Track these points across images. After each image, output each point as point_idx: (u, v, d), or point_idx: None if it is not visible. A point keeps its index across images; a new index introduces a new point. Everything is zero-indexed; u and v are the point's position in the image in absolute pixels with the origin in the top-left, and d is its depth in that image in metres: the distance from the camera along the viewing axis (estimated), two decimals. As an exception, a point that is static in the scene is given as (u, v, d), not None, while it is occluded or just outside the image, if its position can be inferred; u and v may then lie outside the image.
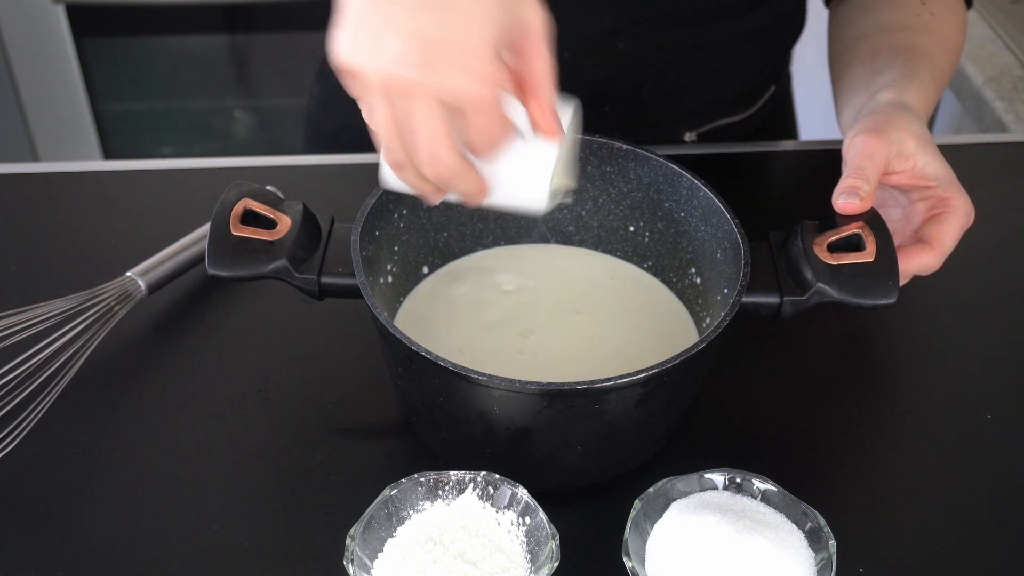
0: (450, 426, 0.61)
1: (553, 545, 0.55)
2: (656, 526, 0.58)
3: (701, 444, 0.67)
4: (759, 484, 0.59)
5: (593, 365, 0.66)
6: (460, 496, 0.58)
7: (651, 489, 0.58)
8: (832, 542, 0.56)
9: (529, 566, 0.56)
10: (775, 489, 0.58)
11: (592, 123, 0.72)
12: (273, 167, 0.90)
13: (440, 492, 0.58)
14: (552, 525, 0.56)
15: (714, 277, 0.67)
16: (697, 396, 0.69)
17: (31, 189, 0.87)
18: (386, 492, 0.57)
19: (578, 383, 0.55)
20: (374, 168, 0.88)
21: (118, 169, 0.90)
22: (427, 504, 0.58)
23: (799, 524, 0.57)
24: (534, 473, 0.60)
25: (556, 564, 0.55)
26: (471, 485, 0.58)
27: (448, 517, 0.57)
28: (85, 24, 1.83)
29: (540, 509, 0.57)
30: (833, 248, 0.62)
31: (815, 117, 1.76)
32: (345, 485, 0.64)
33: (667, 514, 0.58)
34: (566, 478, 0.63)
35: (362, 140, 0.95)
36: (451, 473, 0.58)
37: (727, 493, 0.59)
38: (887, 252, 0.61)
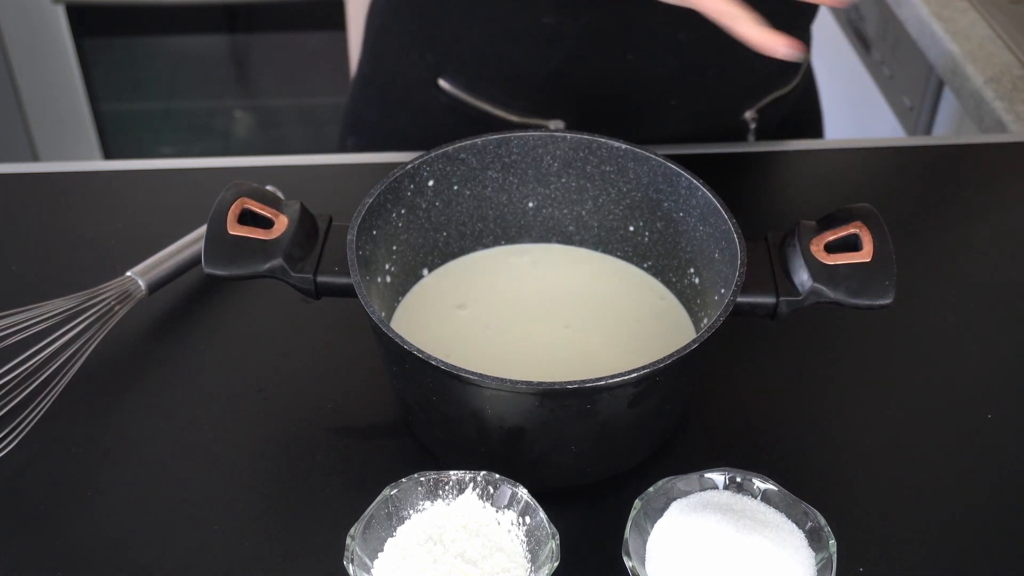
0: (445, 425, 0.61)
1: (553, 545, 0.55)
2: (656, 526, 0.58)
3: (701, 444, 0.68)
4: (759, 484, 0.59)
5: (591, 365, 0.66)
6: (460, 496, 0.58)
7: (651, 489, 0.58)
8: (832, 542, 0.56)
9: (529, 566, 0.56)
10: (775, 489, 0.58)
11: (660, 119, 0.72)
12: (273, 167, 0.90)
13: (440, 492, 0.58)
14: (552, 525, 0.56)
15: (712, 277, 0.67)
16: (696, 396, 0.69)
17: (31, 189, 0.87)
18: (386, 492, 0.57)
19: (569, 383, 0.55)
20: (375, 168, 0.88)
21: (118, 169, 0.90)
22: (427, 504, 0.58)
23: (799, 524, 0.57)
24: (529, 472, 0.60)
25: (556, 564, 0.55)
26: (471, 485, 0.58)
27: (448, 517, 0.57)
28: (85, 24, 1.83)
29: (540, 509, 0.57)
30: (830, 248, 0.62)
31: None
32: (345, 485, 0.64)
33: (667, 514, 0.58)
34: (561, 478, 0.63)
35: (400, 140, 0.95)
36: (451, 473, 0.58)
37: (727, 493, 0.59)
38: (884, 252, 0.61)
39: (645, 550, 0.57)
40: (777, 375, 0.72)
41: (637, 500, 0.58)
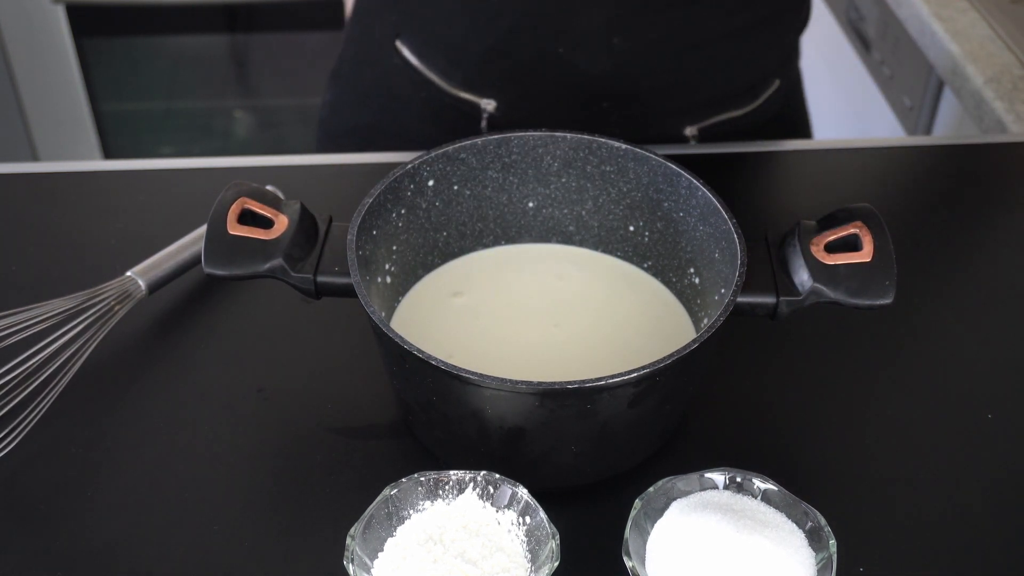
0: (445, 425, 0.61)
1: (553, 545, 0.55)
2: (656, 525, 0.58)
3: (701, 444, 0.68)
4: (759, 483, 0.59)
5: (591, 365, 0.66)
6: (460, 496, 0.58)
7: (651, 488, 0.58)
8: (832, 542, 0.56)
9: (529, 566, 0.56)
10: (775, 488, 0.58)
11: (591, 120, 0.72)
12: (273, 167, 0.90)
13: (440, 492, 0.58)
14: (552, 525, 0.56)
15: (712, 277, 0.67)
16: (696, 395, 0.69)
17: (31, 189, 0.87)
18: (386, 492, 0.57)
19: (569, 383, 0.55)
20: (375, 168, 0.88)
21: (118, 169, 0.90)
22: (427, 504, 0.58)
23: (799, 524, 0.57)
24: (529, 472, 0.60)
25: (556, 564, 0.55)
26: (471, 485, 0.58)
27: (448, 517, 0.57)
28: (85, 24, 1.83)
29: (540, 509, 0.57)
30: (831, 248, 0.62)
31: (815, 117, 1.76)
32: (345, 485, 0.64)
33: (667, 513, 0.58)
34: (561, 477, 0.63)
35: (370, 140, 0.96)
36: (451, 473, 0.58)
37: (727, 492, 0.59)
38: (885, 252, 0.61)
39: (645, 550, 0.57)
40: (777, 375, 0.72)
41: (637, 500, 0.58)
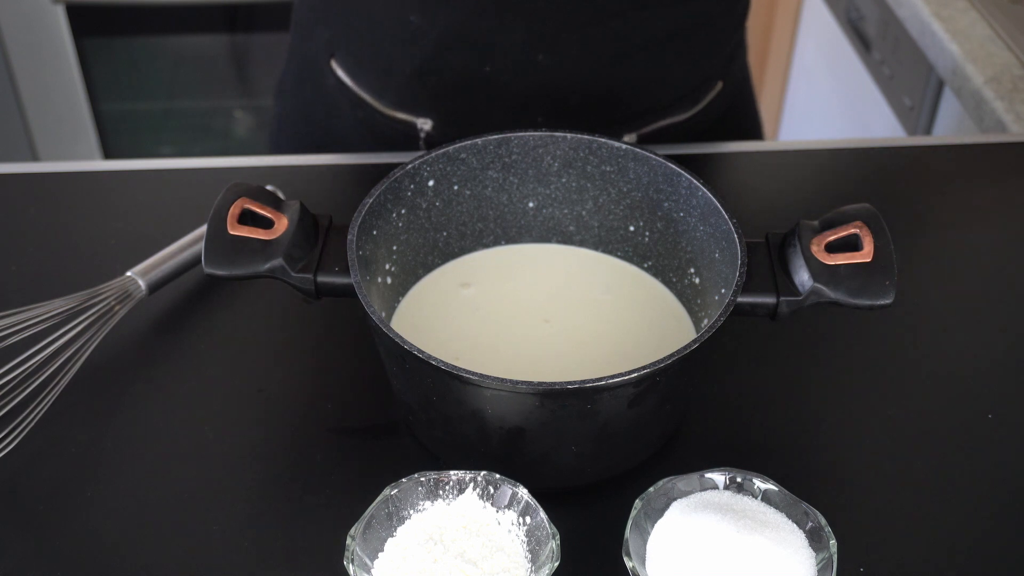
0: (445, 425, 0.61)
1: (554, 545, 0.55)
2: (657, 526, 0.58)
3: (701, 444, 0.68)
4: (760, 484, 0.59)
5: (591, 365, 0.66)
6: (460, 496, 0.58)
7: (651, 489, 0.58)
8: (833, 542, 0.56)
9: (530, 566, 0.56)
10: (776, 489, 0.58)
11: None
12: (273, 167, 0.90)
13: (440, 492, 0.58)
14: (553, 525, 0.56)
15: (712, 277, 0.67)
16: (696, 395, 0.69)
17: (31, 189, 0.87)
18: (386, 492, 0.57)
19: (569, 383, 0.55)
20: (375, 168, 0.88)
21: (118, 169, 0.90)
22: (427, 504, 0.58)
23: (800, 524, 0.57)
24: (530, 472, 0.60)
25: (557, 564, 0.55)
26: (471, 485, 0.58)
27: (448, 517, 0.57)
28: (85, 24, 1.83)
29: (540, 509, 0.57)
30: (831, 248, 0.62)
31: (815, 117, 1.76)
32: (345, 485, 0.64)
33: (668, 514, 0.58)
34: (562, 478, 0.63)
35: (304, 117, 0.96)
36: (451, 473, 0.58)
37: (728, 493, 0.59)
38: (885, 252, 0.61)
39: (645, 550, 0.57)
40: (777, 375, 0.72)
41: (637, 500, 0.58)
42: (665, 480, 0.59)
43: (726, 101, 0.96)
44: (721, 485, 0.59)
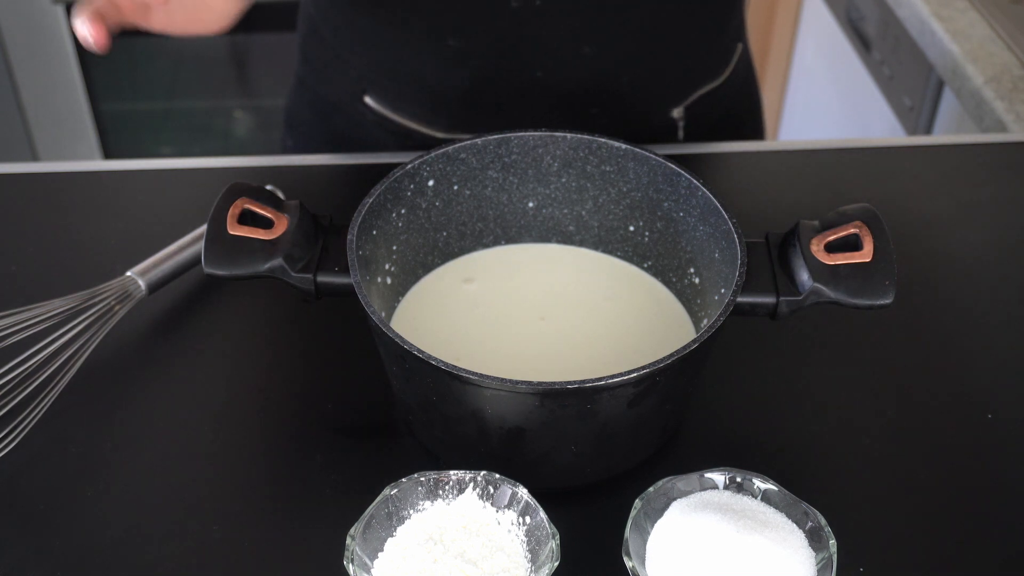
0: (445, 425, 0.61)
1: (553, 545, 0.55)
2: (656, 525, 0.58)
3: (701, 444, 0.68)
4: (760, 484, 0.59)
5: (591, 366, 0.66)
6: (460, 496, 0.58)
7: (651, 488, 0.58)
8: (833, 541, 0.56)
9: (529, 566, 0.56)
10: (776, 488, 0.58)
11: (584, 126, 0.73)
12: (273, 167, 0.90)
13: (440, 492, 0.58)
14: (552, 525, 0.56)
15: (712, 277, 0.67)
16: (696, 395, 0.69)
17: (31, 189, 0.87)
18: (386, 492, 0.57)
19: (569, 383, 0.55)
20: (375, 168, 0.88)
21: (118, 169, 0.90)
22: (427, 504, 0.58)
23: (800, 523, 0.57)
24: (530, 472, 0.60)
25: (556, 564, 0.55)
26: (471, 485, 0.58)
27: (448, 517, 0.57)
28: (85, 24, 1.83)
29: (540, 509, 0.57)
30: (831, 248, 0.62)
31: (816, 117, 1.76)
32: (345, 485, 0.64)
33: (668, 513, 0.58)
34: (561, 478, 0.63)
35: (334, 144, 0.96)
36: (451, 473, 0.58)
37: (728, 492, 0.59)
38: (885, 252, 0.61)
39: (645, 550, 0.57)
40: (777, 375, 0.72)
41: (637, 500, 0.58)
42: (665, 480, 0.59)
43: (746, 64, 0.98)
44: (721, 485, 0.59)
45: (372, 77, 0.90)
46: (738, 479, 0.59)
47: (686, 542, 0.56)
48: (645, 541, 0.57)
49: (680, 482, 0.59)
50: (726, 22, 0.93)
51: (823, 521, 0.57)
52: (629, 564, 0.55)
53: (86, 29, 0.61)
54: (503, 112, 0.88)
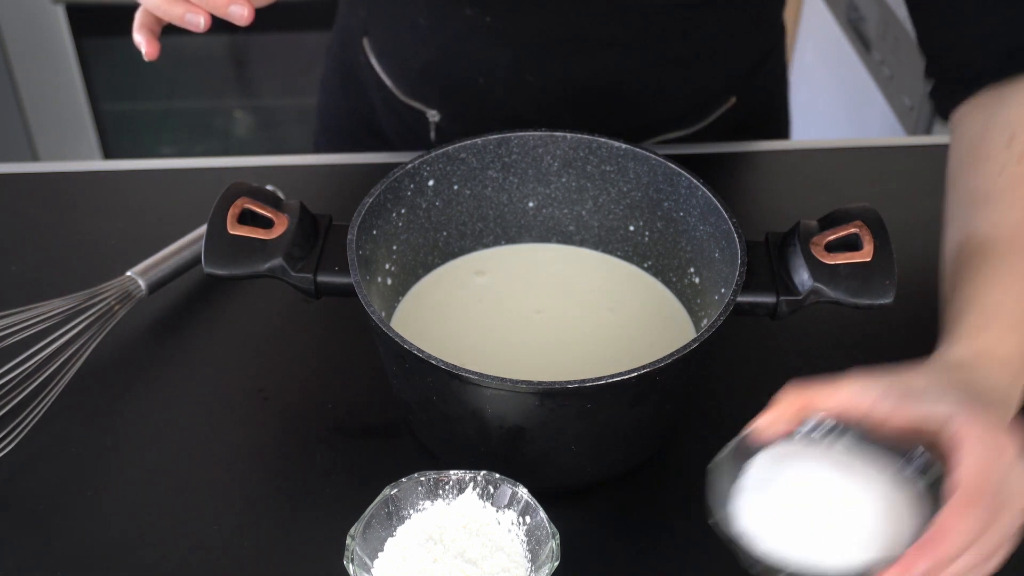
0: (445, 425, 0.61)
1: (553, 544, 0.55)
2: (746, 480, 0.54)
3: (701, 444, 0.67)
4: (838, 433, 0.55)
5: (591, 365, 0.66)
6: (460, 495, 0.58)
7: (725, 451, 0.54)
8: (938, 464, 0.51)
9: (529, 565, 0.56)
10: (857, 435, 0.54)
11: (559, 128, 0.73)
12: (273, 167, 0.90)
13: (440, 491, 0.58)
14: (552, 524, 0.56)
15: (712, 277, 0.67)
16: (696, 395, 0.69)
17: (31, 189, 0.87)
18: (386, 492, 0.57)
19: (569, 382, 0.55)
20: (375, 168, 0.88)
21: (118, 169, 0.90)
22: (427, 503, 0.58)
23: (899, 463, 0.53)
24: (529, 472, 0.60)
25: (557, 563, 0.55)
26: (471, 484, 0.58)
27: (448, 516, 0.57)
28: (85, 24, 1.83)
29: (540, 508, 0.57)
30: (831, 248, 0.62)
31: (816, 117, 1.76)
32: (345, 485, 0.64)
33: (753, 467, 0.54)
34: (561, 477, 0.63)
35: (358, 131, 0.97)
36: (451, 472, 0.58)
37: (811, 440, 0.55)
38: (885, 252, 0.61)
39: (738, 510, 0.53)
40: (777, 375, 0.72)
41: (711, 465, 0.53)
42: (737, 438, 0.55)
43: (744, 112, 0.94)
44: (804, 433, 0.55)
45: (372, 21, 0.92)
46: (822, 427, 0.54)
47: (788, 493, 0.52)
48: (730, 503, 0.53)
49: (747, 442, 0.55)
50: (697, 81, 0.89)
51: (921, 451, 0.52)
52: (727, 529, 0.51)
53: (139, 39, 0.67)
54: (449, 99, 0.89)
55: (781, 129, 1.02)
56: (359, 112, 0.98)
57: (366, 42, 0.94)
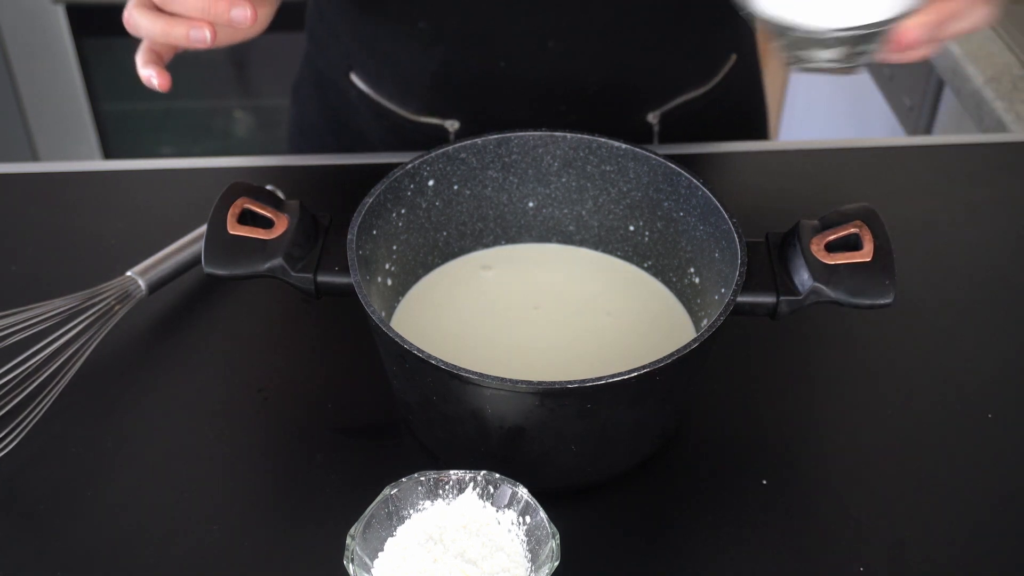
0: (444, 425, 0.61)
1: (553, 544, 0.55)
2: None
3: (701, 444, 0.68)
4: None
5: (591, 365, 0.66)
6: (460, 495, 0.58)
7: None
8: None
9: (529, 565, 0.56)
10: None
11: (550, 122, 0.73)
12: (273, 167, 0.90)
13: (440, 491, 0.58)
14: (552, 524, 0.56)
15: (712, 277, 0.67)
16: (696, 395, 0.69)
17: (31, 189, 0.87)
18: (386, 491, 0.57)
19: (569, 382, 0.55)
20: (375, 168, 0.88)
21: (118, 169, 0.90)
22: (427, 503, 0.58)
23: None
24: (529, 472, 0.60)
25: (557, 563, 0.55)
26: (471, 484, 0.58)
27: (448, 516, 0.57)
28: (85, 24, 1.83)
29: (540, 508, 0.57)
30: (831, 248, 0.62)
31: (816, 117, 1.76)
32: (345, 485, 0.64)
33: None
34: (561, 477, 0.63)
35: (329, 122, 0.97)
36: (451, 472, 0.58)
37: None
38: (885, 252, 0.61)
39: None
40: (777, 375, 0.72)
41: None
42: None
43: (742, 75, 0.96)
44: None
45: (357, 55, 0.91)
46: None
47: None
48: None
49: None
50: (709, 33, 0.91)
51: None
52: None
53: (148, 73, 0.67)
54: (468, 98, 0.89)
55: (759, 98, 1.04)
56: (352, 148, 0.97)
57: (354, 78, 0.92)
